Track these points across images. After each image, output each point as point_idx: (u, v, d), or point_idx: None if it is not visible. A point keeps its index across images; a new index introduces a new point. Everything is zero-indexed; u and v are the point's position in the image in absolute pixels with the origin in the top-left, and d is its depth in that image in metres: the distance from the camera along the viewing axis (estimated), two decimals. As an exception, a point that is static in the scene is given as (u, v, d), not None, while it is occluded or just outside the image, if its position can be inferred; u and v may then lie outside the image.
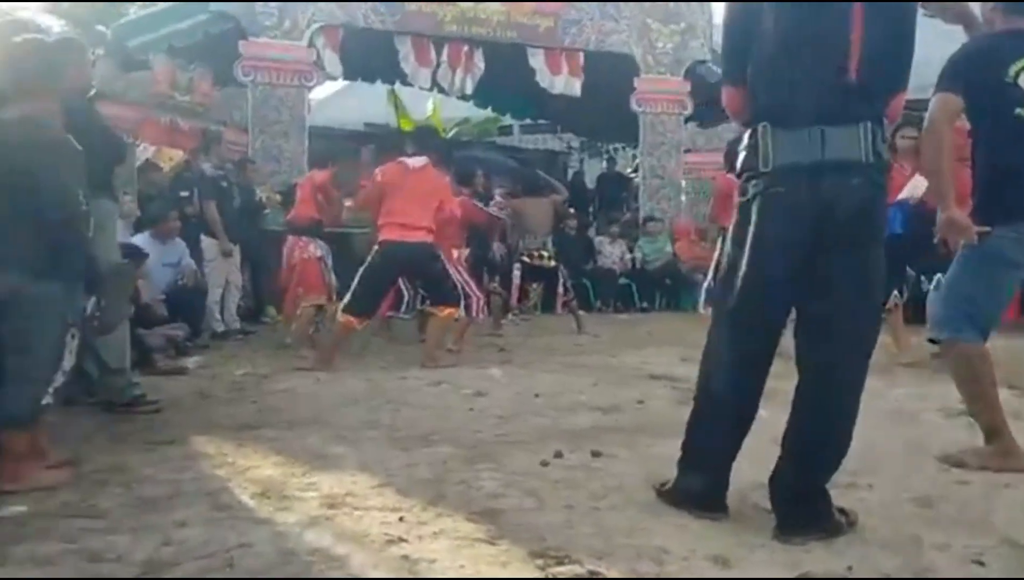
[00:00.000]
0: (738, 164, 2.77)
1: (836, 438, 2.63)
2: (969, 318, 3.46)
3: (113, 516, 2.75)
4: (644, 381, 5.62)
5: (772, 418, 2.83)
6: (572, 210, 11.48)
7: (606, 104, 13.16)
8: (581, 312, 9.27)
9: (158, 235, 7.40)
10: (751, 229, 2.67)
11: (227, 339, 7.76)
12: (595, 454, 3.53)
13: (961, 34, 3.66)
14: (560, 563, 2.35)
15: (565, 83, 12.04)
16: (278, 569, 2.32)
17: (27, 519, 2.73)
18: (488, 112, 18.00)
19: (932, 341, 3.74)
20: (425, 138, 6.73)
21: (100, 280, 3.14)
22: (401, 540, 2.53)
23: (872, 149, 2.56)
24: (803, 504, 2.60)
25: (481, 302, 6.98)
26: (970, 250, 3.46)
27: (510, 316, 9.35)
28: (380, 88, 16.28)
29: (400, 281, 6.96)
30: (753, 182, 2.67)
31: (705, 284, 6.80)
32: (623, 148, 17.45)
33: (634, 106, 12.62)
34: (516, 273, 8.94)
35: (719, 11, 12.70)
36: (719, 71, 9.99)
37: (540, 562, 2.36)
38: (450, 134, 18.85)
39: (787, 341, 2.74)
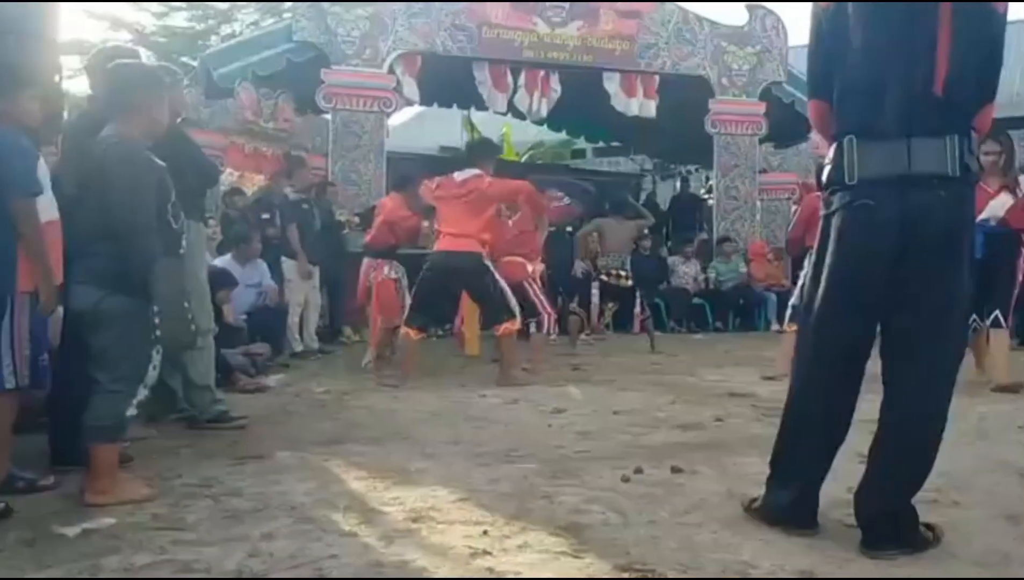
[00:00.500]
0: (823, 178, 2.75)
1: (922, 455, 2.60)
2: None
3: (202, 528, 2.81)
4: (723, 399, 5.58)
5: (850, 434, 2.78)
6: (647, 231, 11.46)
7: (680, 126, 13.12)
8: (656, 332, 9.25)
9: (240, 257, 7.57)
10: (833, 242, 2.66)
11: (306, 358, 7.88)
12: (676, 470, 3.52)
13: None
14: (646, 577, 2.34)
15: (640, 105, 12.05)
16: (367, 580, 2.34)
17: (117, 531, 2.79)
18: (562, 135, 18.04)
19: None
20: (477, 149, 6.69)
21: (151, 286, 3.15)
22: (486, 553, 2.54)
23: (959, 162, 2.52)
24: (889, 520, 2.57)
25: (552, 319, 6.97)
26: None
27: (583, 336, 9.34)
28: (455, 113, 16.48)
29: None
30: (838, 195, 2.65)
31: (792, 301, 6.69)
32: (696, 170, 17.35)
33: (709, 128, 12.56)
34: (594, 292, 8.92)
35: (794, 33, 12.65)
36: (794, 92, 9.88)
37: (626, 576, 2.35)
38: (524, 158, 19.00)
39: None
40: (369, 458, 3.82)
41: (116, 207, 3.17)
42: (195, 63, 12.84)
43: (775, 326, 8.64)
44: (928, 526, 2.63)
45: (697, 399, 5.56)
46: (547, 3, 11.58)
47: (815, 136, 11.62)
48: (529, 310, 6.86)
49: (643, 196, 17.18)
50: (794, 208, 9.07)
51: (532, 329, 6.94)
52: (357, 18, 10.82)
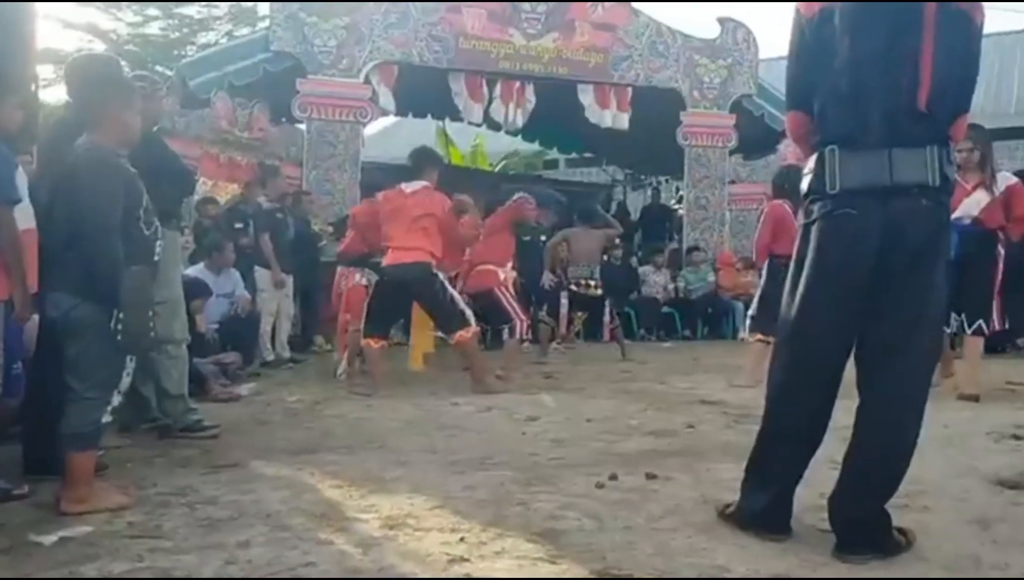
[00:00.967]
0: (803, 187, 2.78)
1: (895, 462, 2.64)
2: None
3: (178, 536, 2.81)
4: (694, 406, 5.63)
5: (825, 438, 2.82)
6: (617, 241, 11.53)
7: (652, 137, 13.27)
8: (625, 340, 9.31)
9: (213, 266, 7.54)
10: (813, 250, 2.70)
11: (277, 367, 7.84)
12: (650, 476, 3.55)
13: None
14: (622, 581, 2.36)
15: (613, 117, 12.17)
16: (344, 587, 2.36)
17: (94, 539, 2.78)
18: (535, 146, 18.12)
19: None
20: (422, 159, 6.58)
21: (117, 291, 3.14)
22: (463, 560, 2.56)
23: (940, 172, 2.57)
24: (862, 524, 2.61)
25: (524, 325, 6.98)
26: None
27: (554, 344, 9.37)
28: (429, 123, 16.49)
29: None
30: (819, 204, 2.69)
31: (750, 312, 6.74)
32: (667, 180, 17.49)
33: (680, 140, 12.69)
34: (564, 302, 8.96)
35: (765, 47, 12.80)
36: (764, 104, 9.95)
37: (602, 581, 2.37)
38: (498, 168, 19.06)
39: None
40: (343, 466, 3.82)
41: (83, 210, 3.16)
42: (170, 72, 12.80)
43: (742, 334, 8.71)
44: (900, 530, 2.67)
45: (668, 406, 5.60)
46: (524, 13, 11.65)
47: (783, 148, 11.79)
48: (502, 317, 6.90)
49: (614, 206, 17.31)
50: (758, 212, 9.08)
51: (505, 335, 6.96)
52: (334, 28, 10.84)
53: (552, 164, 20.52)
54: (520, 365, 7.33)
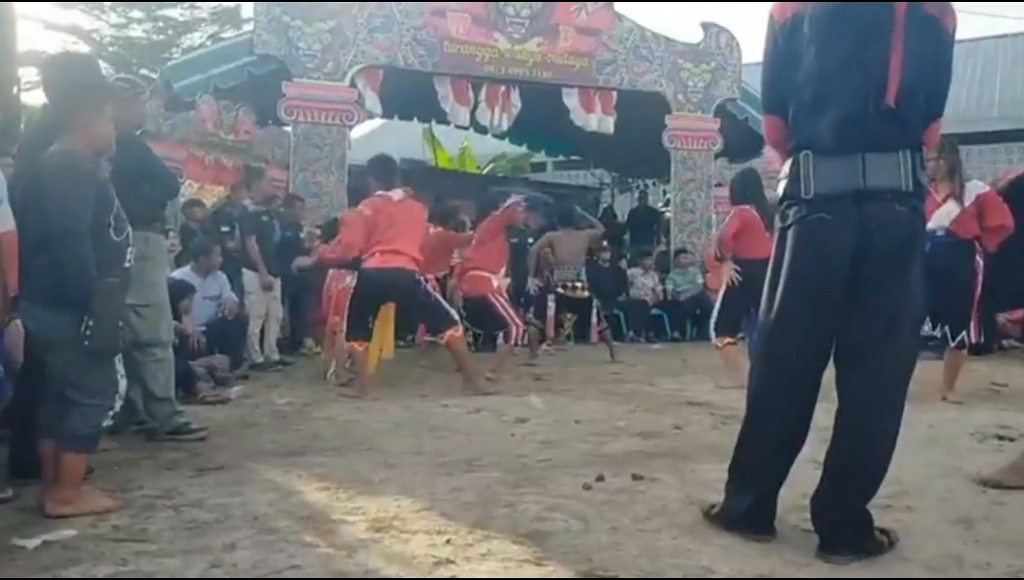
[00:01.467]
0: (778, 192, 2.80)
1: (875, 462, 2.65)
2: None
3: (163, 539, 2.80)
4: (681, 407, 5.65)
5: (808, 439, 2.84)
6: (605, 243, 11.54)
7: (638, 141, 13.28)
8: (614, 342, 9.33)
9: (199, 269, 7.52)
10: (789, 255, 2.71)
11: (266, 370, 7.82)
12: (637, 478, 3.56)
13: None
14: (608, 582, 2.37)
15: (598, 121, 12.18)
16: (330, 590, 2.35)
17: (78, 543, 2.77)
18: (523, 149, 18.14)
19: None
20: (391, 168, 6.59)
21: (88, 298, 3.12)
22: (449, 562, 2.56)
23: (912, 177, 2.59)
24: (845, 525, 2.63)
25: (521, 330, 7.00)
26: None
27: (544, 346, 9.38)
28: (416, 125, 16.49)
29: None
30: (795, 209, 2.71)
31: (712, 320, 6.74)
32: (654, 183, 17.54)
33: (666, 143, 12.72)
34: (551, 304, 8.97)
35: (748, 51, 12.85)
36: (747, 108, 9.92)
37: (588, 581, 2.38)
38: (485, 170, 19.09)
39: None
40: (331, 469, 3.82)
41: (52, 214, 3.12)
42: (154, 75, 12.73)
43: (714, 341, 8.67)
44: (883, 531, 2.69)
45: (656, 408, 5.62)
46: (508, 17, 11.64)
47: (767, 151, 11.83)
48: (499, 323, 6.93)
49: (601, 209, 17.35)
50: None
51: (500, 340, 6.99)
52: (318, 31, 10.80)
53: (540, 167, 20.56)
54: (509, 367, 7.35)
